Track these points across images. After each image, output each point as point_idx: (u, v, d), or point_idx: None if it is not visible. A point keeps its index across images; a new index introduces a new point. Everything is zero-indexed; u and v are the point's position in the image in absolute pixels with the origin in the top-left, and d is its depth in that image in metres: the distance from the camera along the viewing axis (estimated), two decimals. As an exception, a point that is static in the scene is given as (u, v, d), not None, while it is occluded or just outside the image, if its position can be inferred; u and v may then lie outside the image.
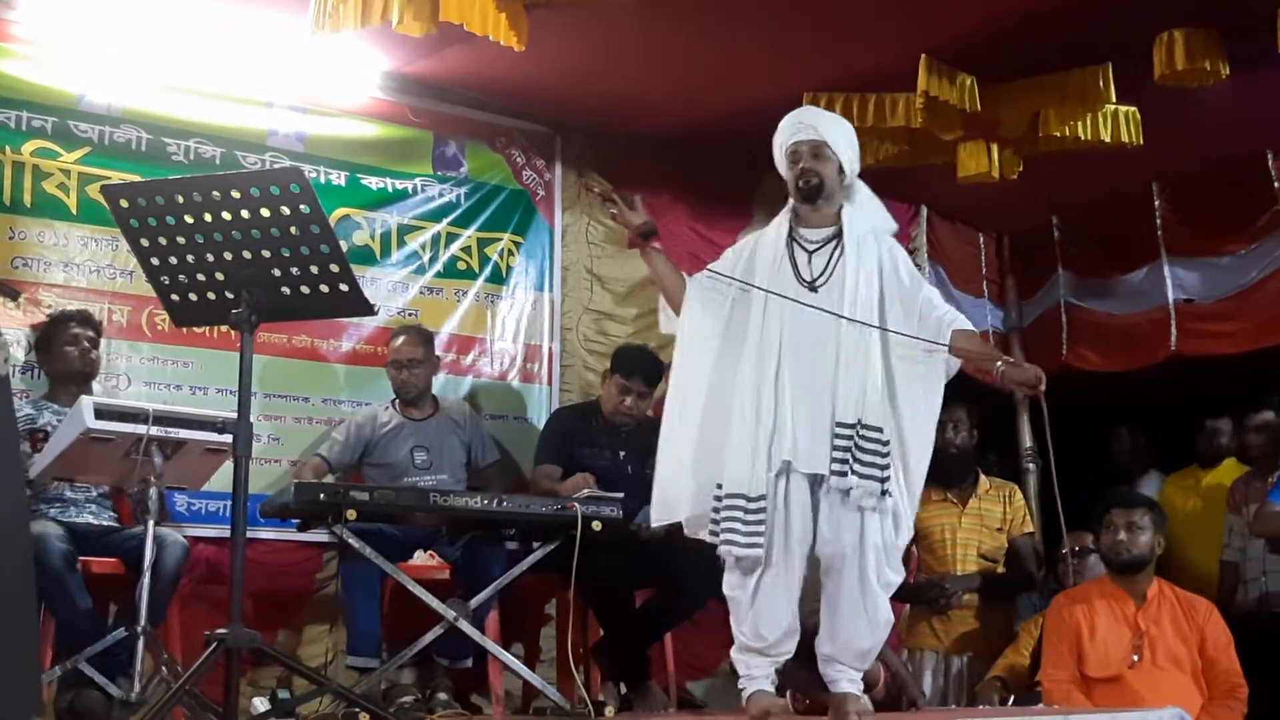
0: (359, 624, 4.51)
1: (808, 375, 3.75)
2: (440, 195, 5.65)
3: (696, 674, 5.58)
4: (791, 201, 3.98)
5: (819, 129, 3.93)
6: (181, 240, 3.32)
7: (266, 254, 3.31)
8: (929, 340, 3.80)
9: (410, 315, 5.46)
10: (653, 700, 4.64)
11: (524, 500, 4.41)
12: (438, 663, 4.58)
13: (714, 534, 3.76)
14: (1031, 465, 7.10)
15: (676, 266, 4.14)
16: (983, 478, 5.65)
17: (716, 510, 3.76)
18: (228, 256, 3.32)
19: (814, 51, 5.15)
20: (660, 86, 5.53)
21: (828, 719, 3.76)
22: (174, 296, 3.44)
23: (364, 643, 4.47)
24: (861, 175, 4.05)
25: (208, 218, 3.28)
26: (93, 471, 4.11)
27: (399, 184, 5.56)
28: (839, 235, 3.87)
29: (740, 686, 3.84)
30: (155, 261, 3.39)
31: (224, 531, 4.68)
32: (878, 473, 3.66)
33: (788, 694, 3.99)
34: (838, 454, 3.67)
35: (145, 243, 3.36)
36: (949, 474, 5.59)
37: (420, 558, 4.74)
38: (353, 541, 4.17)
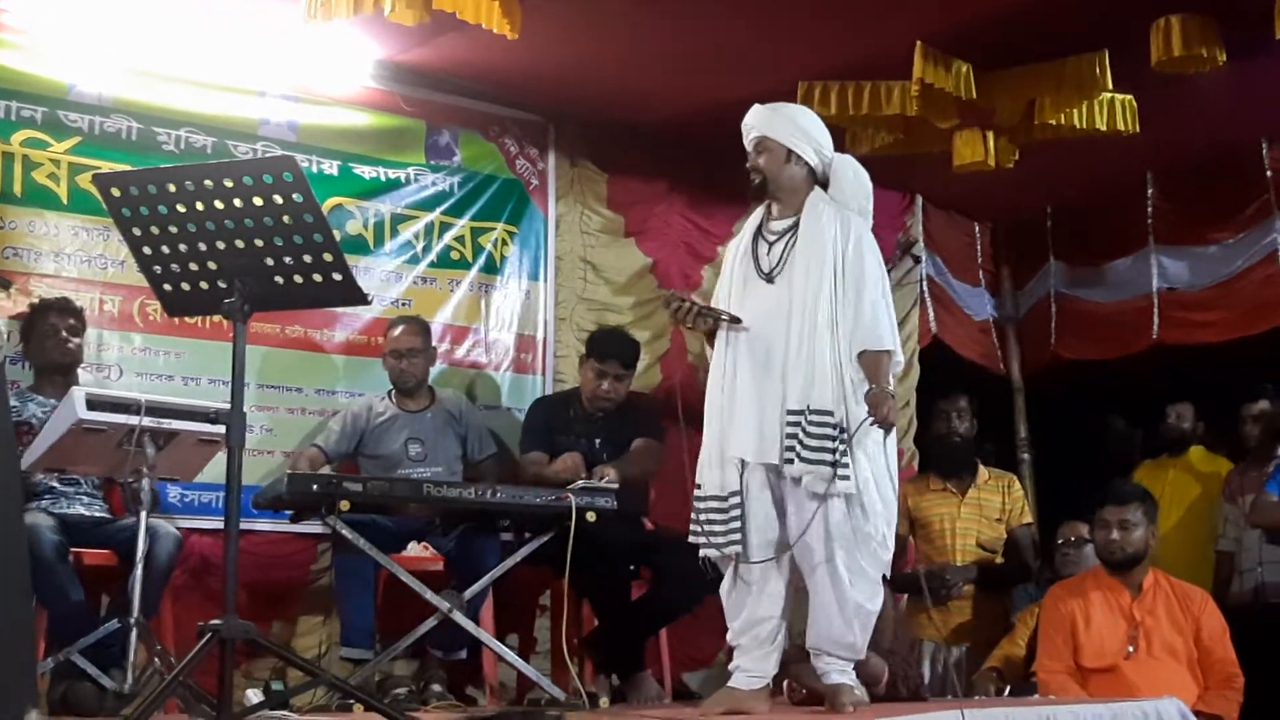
0: (353, 615, 4.50)
1: (760, 368, 3.79)
2: (433, 184, 5.63)
3: (694, 665, 5.58)
4: None
5: (757, 126, 3.98)
6: (174, 229, 3.29)
7: (259, 243, 3.28)
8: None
9: (404, 305, 5.43)
10: (646, 691, 4.64)
11: (518, 491, 4.38)
12: (432, 654, 4.59)
13: (695, 534, 3.82)
14: (1027, 455, 7.10)
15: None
16: (981, 468, 5.65)
17: (696, 513, 3.82)
18: (220, 246, 3.29)
19: (809, 40, 5.13)
20: (654, 75, 5.50)
21: (823, 709, 3.76)
22: (166, 286, 3.41)
23: (358, 634, 4.47)
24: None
25: (200, 207, 3.25)
26: (85, 462, 4.09)
27: (392, 173, 5.53)
28: (797, 225, 3.89)
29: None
30: (147, 251, 3.36)
31: (217, 523, 4.63)
32: (827, 456, 3.62)
33: (785, 684, 4.00)
34: (787, 442, 3.68)
35: (137, 232, 3.33)
36: (950, 463, 5.59)
37: (414, 549, 4.75)
38: (346, 533, 4.16)
